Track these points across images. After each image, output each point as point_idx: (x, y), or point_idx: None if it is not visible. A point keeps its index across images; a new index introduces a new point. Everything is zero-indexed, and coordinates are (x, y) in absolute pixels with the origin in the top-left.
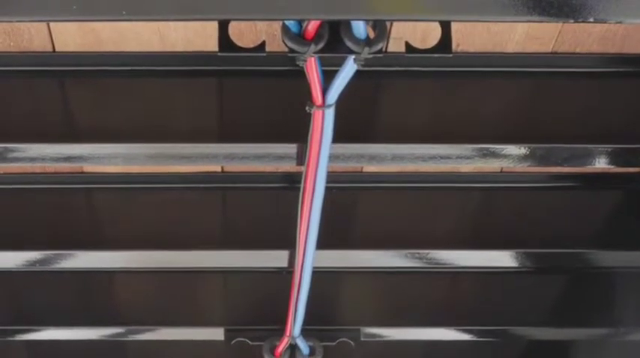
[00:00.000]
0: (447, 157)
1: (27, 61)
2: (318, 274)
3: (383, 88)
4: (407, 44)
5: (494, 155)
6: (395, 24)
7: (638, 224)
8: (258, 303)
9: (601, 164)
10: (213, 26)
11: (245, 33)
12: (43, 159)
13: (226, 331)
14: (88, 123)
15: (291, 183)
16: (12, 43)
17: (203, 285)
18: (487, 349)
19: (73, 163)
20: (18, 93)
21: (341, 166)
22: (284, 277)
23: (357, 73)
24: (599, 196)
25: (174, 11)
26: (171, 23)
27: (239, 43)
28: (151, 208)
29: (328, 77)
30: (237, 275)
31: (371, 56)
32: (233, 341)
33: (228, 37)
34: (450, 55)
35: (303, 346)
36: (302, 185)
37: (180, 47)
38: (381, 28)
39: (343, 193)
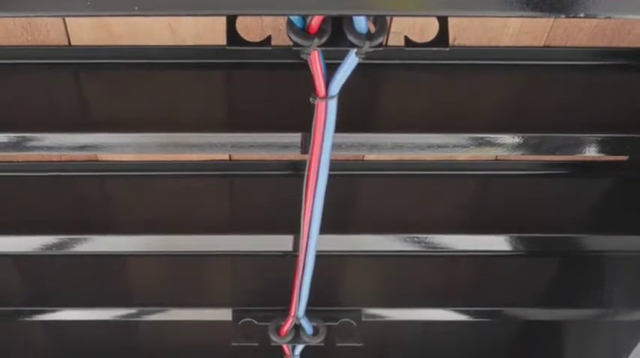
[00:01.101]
0: (444, 146)
1: (44, 54)
2: (321, 257)
3: (383, 80)
4: (406, 38)
5: (490, 144)
6: (395, 19)
7: (626, 209)
8: (265, 285)
9: (591, 152)
10: (222, 21)
11: (252, 28)
12: (59, 147)
13: (234, 312)
14: (102, 114)
15: (296, 171)
16: (30, 37)
17: (211, 268)
18: (483, 329)
19: (87, 152)
20: (35, 85)
21: (343, 154)
22: (289, 260)
23: (359, 66)
24: (590, 183)
25: (184, 6)
26: (181, 18)
27: (246, 38)
28: (161, 194)
29: (331, 70)
30: (244, 258)
31: (372, 50)
32: (240, 322)
33: (235, 31)
34: (447, 49)
35: (307, 326)
36: (306, 172)
37: (190, 41)
38: (381, 23)
39: (345, 180)
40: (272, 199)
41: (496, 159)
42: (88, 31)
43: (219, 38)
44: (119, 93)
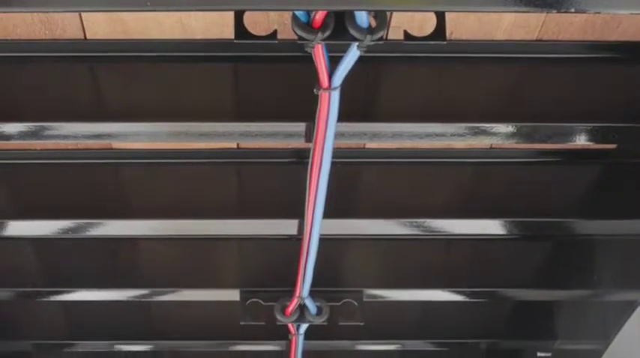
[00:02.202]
0: (442, 135)
1: (61, 48)
2: (324, 241)
3: (383, 72)
4: (405, 32)
5: (485, 133)
6: (394, 14)
7: (614, 195)
8: (271, 267)
9: (581, 141)
10: (230, 16)
11: (258, 22)
12: (75, 136)
13: (241, 292)
14: (116, 104)
15: (300, 158)
16: (47, 32)
17: (220, 251)
18: (478, 309)
19: (102, 140)
20: (52, 77)
21: (345, 143)
22: (294, 243)
23: (360, 59)
24: (580, 170)
25: (194, 2)
26: (191, 13)
27: (253, 32)
28: (172, 181)
29: (334, 62)
30: (251, 242)
31: (373, 43)
32: (247, 302)
33: (243, 26)
34: (445, 43)
35: (311, 306)
36: (310, 160)
37: (199, 35)
38: (381, 18)
39: (347, 167)
40: (277, 185)
41: (491, 148)
42: (102, 25)
43: (228, 32)
44: (132, 85)
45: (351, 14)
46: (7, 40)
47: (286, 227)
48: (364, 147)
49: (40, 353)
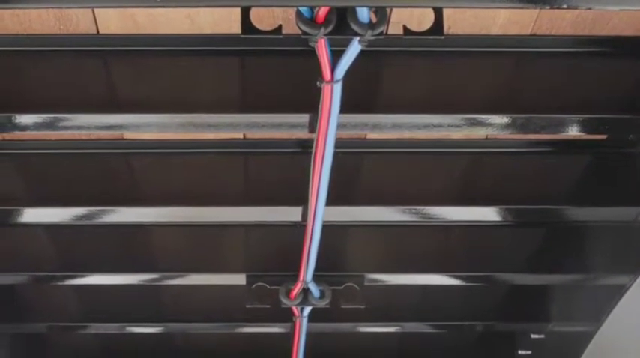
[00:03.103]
0: (440, 125)
1: (74, 42)
2: (327, 227)
3: (384, 66)
4: (404, 28)
5: (481, 124)
6: (394, 10)
7: (605, 183)
8: (275, 253)
9: (573, 131)
10: (237, 12)
11: (264, 18)
12: (88, 127)
13: (247, 277)
14: (128, 96)
15: (304, 148)
16: (61, 27)
17: (227, 237)
18: (474, 292)
19: (114, 131)
20: (67, 71)
21: (347, 133)
22: (298, 230)
23: (361, 53)
24: (571, 159)
25: None
26: (200, 9)
27: (259, 27)
28: (182, 170)
29: (336, 56)
30: (256, 228)
31: (373, 38)
32: (253, 286)
33: (249, 21)
34: (442, 37)
35: (314, 289)
36: (313, 150)
37: (207, 30)
38: (382, 14)
39: (349, 157)
40: (282, 174)
41: (487, 138)
42: (114, 21)
43: (234, 27)
44: (143, 78)
45: (352, 10)
46: (23, 34)
47: (290, 214)
48: (365, 138)
49: (55, 334)
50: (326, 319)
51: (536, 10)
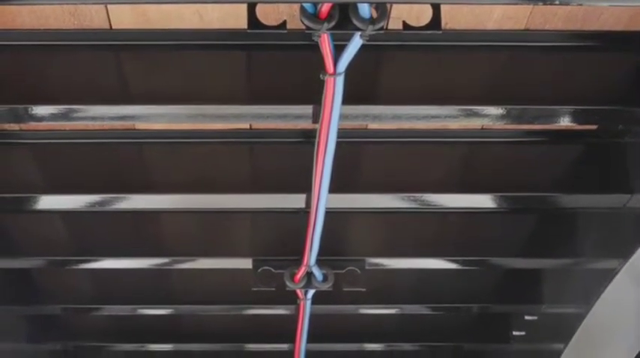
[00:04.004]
0: (437, 116)
1: (88, 37)
2: (330, 214)
3: (384, 60)
4: (404, 23)
5: (477, 115)
6: (394, 6)
7: (595, 171)
8: (280, 238)
9: (565, 122)
10: (243, 8)
11: (269, 13)
12: (101, 118)
13: (254, 261)
14: (139, 89)
15: (308, 138)
16: (76, 22)
17: (234, 223)
18: (470, 276)
19: (126, 121)
20: (81, 64)
21: (349, 124)
22: (302, 216)
23: (363, 47)
24: (563, 149)
25: None
26: (208, 5)
27: (264, 22)
28: (191, 159)
29: (338, 50)
30: (262, 214)
31: (374, 33)
32: (259, 269)
33: (255, 16)
34: (440, 32)
35: (317, 273)
36: (317, 139)
37: (215, 25)
38: (382, 10)
39: (351, 146)
40: (287, 163)
41: (482, 128)
42: (127, 16)
43: (241, 23)
44: (154, 71)
45: (354, 6)
46: (40, 29)
47: (295, 201)
48: (366, 128)
49: (69, 316)
50: (329, 301)
51: (530, 6)
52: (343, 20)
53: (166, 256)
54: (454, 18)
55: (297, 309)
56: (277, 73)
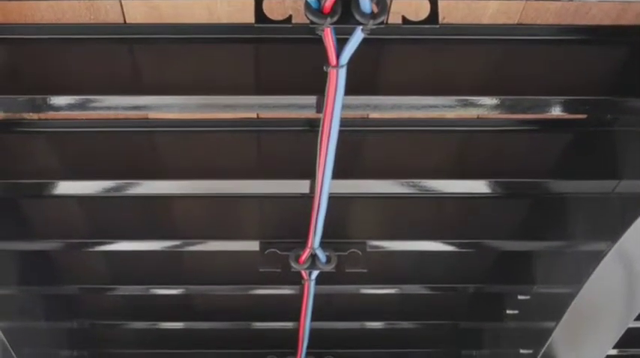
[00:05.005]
0: (435, 106)
1: (103, 31)
2: (333, 199)
3: (384, 52)
4: (403, 17)
5: (472, 104)
6: (394, 1)
7: (585, 158)
8: (286, 222)
9: (556, 111)
10: (251, 3)
11: (275, 9)
12: (116, 108)
13: (261, 243)
14: (152, 80)
15: (312, 127)
16: (92, 17)
17: (242, 207)
18: (466, 258)
19: (139, 111)
20: (96, 57)
21: (351, 113)
22: (306, 201)
23: (364, 40)
24: (555, 137)
25: None
26: (217, 1)
27: (271, 17)
28: (201, 146)
29: (341, 43)
30: (269, 199)
31: (375, 27)
32: (266, 251)
33: (262, 11)
34: (437, 26)
35: (321, 255)
36: (320, 128)
37: (224, 20)
38: (382, 5)
39: (353, 135)
40: (292, 150)
41: (478, 117)
42: (140, 11)
43: (249, 17)
44: (166, 63)
45: (356, 2)
46: (58, 24)
47: (300, 186)
48: (367, 117)
49: (85, 296)
50: (332, 282)
51: (523, 2)
52: (345, 15)
53: (178, 239)
54: (451, 13)
55: (302, 289)
56: (283, 65)
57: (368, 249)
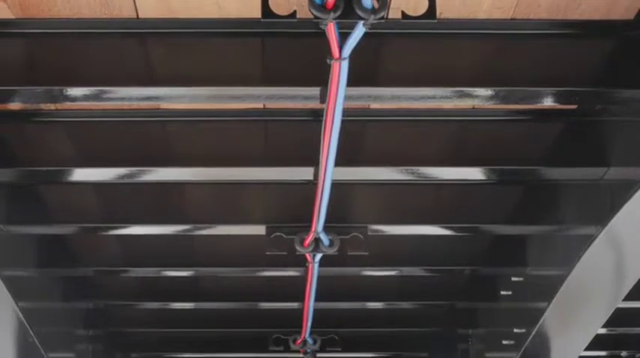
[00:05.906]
0: (433, 97)
1: (117, 25)
2: (335, 185)
3: (384, 46)
4: (402, 12)
5: (468, 95)
6: None
7: (574, 147)
8: (291, 207)
9: (548, 102)
10: None
11: (281, 4)
12: (129, 98)
13: (267, 228)
14: (163, 72)
15: (316, 117)
16: (106, 12)
17: (249, 193)
18: (462, 241)
19: (151, 102)
20: (110, 50)
21: (353, 104)
22: (310, 187)
23: (365, 34)
24: (546, 126)
25: None
26: None
27: (277, 12)
28: (210, 135)
29: (343, 37)
30: (275, 185)
31: (375, 22)
32: (272, 235)
33: (268, 7)
34: (435, 21)
35: (324, 239)
36: (324, 118)
37: (233, 14)
38: (383, 1)
39: (354, 124)
40: (297, 139)
41: (473, 108)
42: (152, 7)
43: (256, 12)
44: (177, 56)
45: None
46: (73, 18)
47: (304, 173)
48: (369, 108)
49: (100, 277)
50: (335, 264)
51: None
52: (348, 10)
53: (188, 223)
54: (448, 8)
55: (306, 271)
56: (288, 57)
57: (369, 233)
